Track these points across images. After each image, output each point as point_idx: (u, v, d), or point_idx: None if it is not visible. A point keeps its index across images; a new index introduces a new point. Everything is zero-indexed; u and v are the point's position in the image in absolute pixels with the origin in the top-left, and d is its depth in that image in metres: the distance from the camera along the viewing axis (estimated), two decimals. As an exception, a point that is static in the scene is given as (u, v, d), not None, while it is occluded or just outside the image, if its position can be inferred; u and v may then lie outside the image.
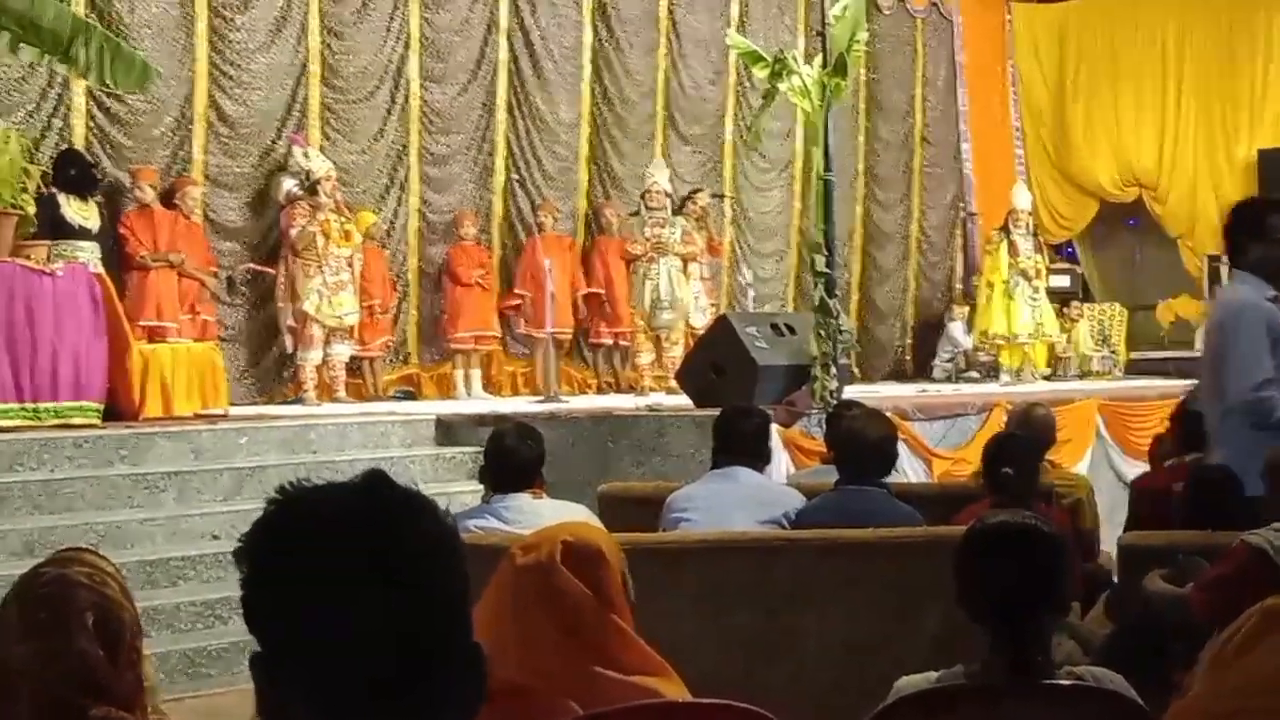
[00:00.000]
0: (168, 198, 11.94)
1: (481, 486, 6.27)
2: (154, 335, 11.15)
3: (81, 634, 2.72)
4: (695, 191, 15.52)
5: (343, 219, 12.61)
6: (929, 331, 19.23)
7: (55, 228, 10.08)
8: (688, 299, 14.89)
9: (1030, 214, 17.58)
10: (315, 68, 13.27)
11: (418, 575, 1.57)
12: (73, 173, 10.60)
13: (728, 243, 16.90)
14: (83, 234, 10.33)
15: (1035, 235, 17.39)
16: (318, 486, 1.62)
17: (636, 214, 15.00)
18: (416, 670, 1.56)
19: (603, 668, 3.22)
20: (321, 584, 1.55)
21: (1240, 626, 2.75)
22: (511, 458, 5.70)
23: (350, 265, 12.65)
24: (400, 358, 14.15)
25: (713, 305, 15.40)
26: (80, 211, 10.49)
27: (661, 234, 14.68)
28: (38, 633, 2.71)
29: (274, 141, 12.97)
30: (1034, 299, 16.95)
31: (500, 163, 14.82)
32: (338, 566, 1.55)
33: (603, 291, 15.01)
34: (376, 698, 1.55)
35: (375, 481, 1.62)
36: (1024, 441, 6.24)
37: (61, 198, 10.36)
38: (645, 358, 14.78)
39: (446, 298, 14.13)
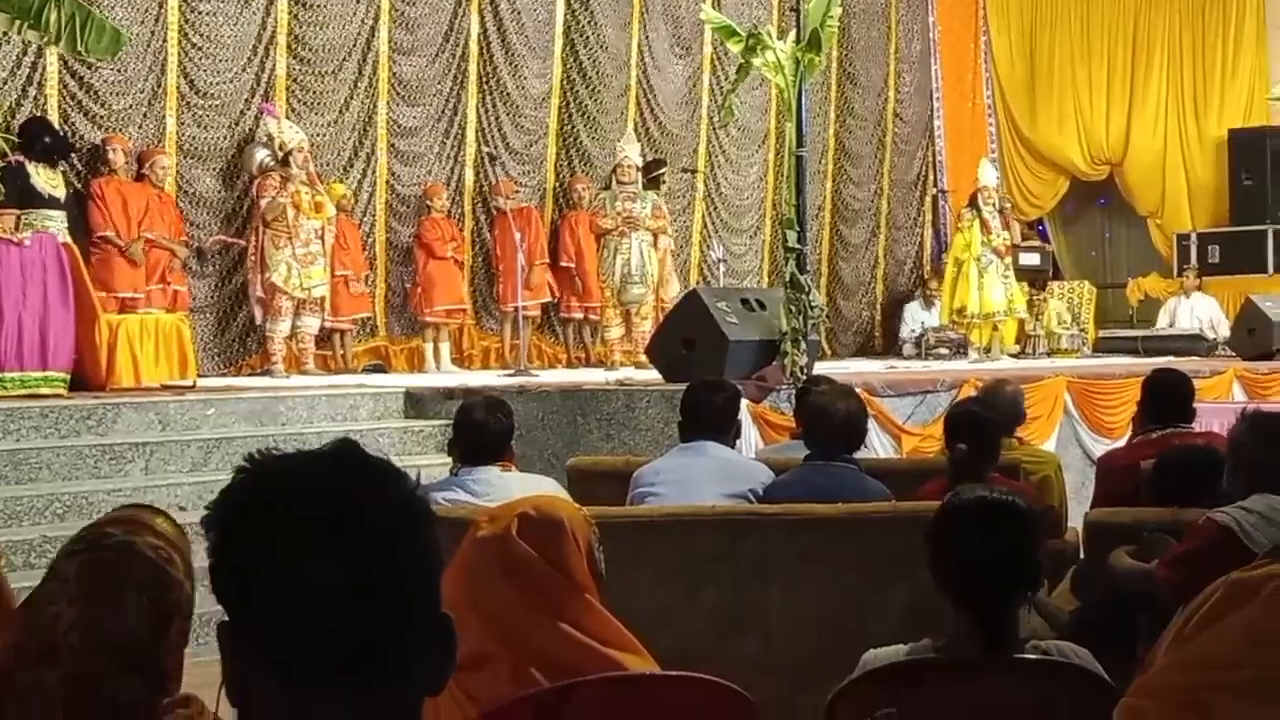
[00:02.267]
0: (139, 168, 11.91)
1: (450, 459, 6.25)
2: (124, 306, 11.12)
3: (133, 610, 2.64)
4: (655, 163, 15.54)
5: (314, 191, 12.56)
6: (898, 308, 19.27)
7: (24, 197, 10.01)
8: (658, 273, 14.91)
9: (997, 190, 17.60)
10: (282, 39, 13.20)
11: (384, 544, 1.56)
12: (47, 140, 10.52)
13: (699, 218, 16.93)
14: (51, 203, 10.27)
15: (1001, 212, 17.44)
16: (286, 454, 1.61)
17: (607, 188, 14.99)
18: (381, 640, 1.55)
19: (566, 625, 3.22)
20: (286, 550, 1.54)
21: (1204, 600, 2.76)
22: (480, 431, 5.67)
23: (321, 237, 12.61)
24: (367, 330, 14.11)
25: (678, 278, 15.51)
26: (49, 180, 10.41)
27: (633, 208, 14.67)
28: (91, 599, 2.64)
29: (243, 113, 12.91)
30: (1005, 276, 17.00)
31: (471, 135, 14.78)
32: (303, 533, 1.54)
33: (573, 266, 14.99)
34: (340, 667, 1.54)
35: (344, 450, 1.61)
36: (977, 415, 6.21)
37: (30, 166, 10.26)
38: (615, 332, 14.79)
39: (418, 270, 14.08)
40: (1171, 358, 15.31)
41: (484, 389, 10.01)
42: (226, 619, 1.58)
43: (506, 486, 5.24)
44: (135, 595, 2.66)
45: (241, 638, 1.57)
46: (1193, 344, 17.35)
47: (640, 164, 15.05)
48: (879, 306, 19.55)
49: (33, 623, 2.68)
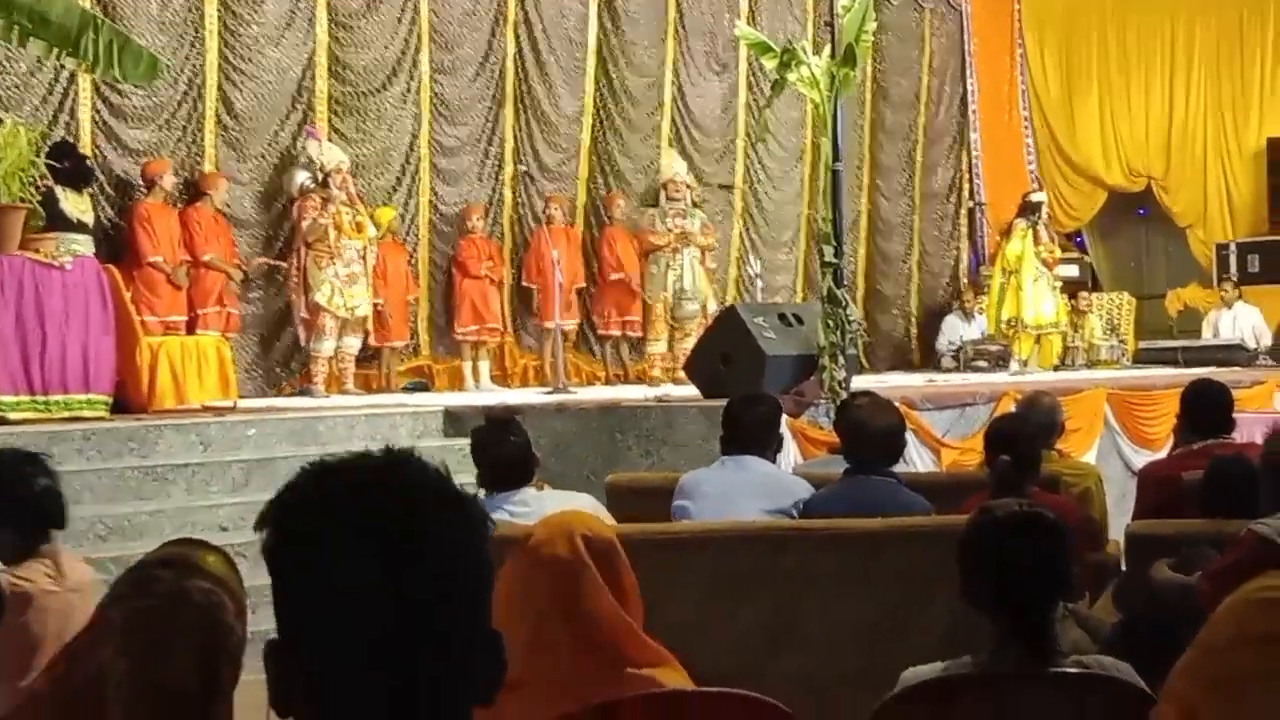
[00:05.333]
0: (194, 191, 12.02)
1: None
2: (168, 329, 11.18)
3: (183, 661, 2.58)
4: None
5: (355, 211, 12.63)
6: (935, 321, 19.22)
7: (54, 221, 10.02)
8: (707, 290, 14.96)
9: (1044, 204, 17.69)
10: (323, 60, 13.26)
11: (433, 554, 1.56)
12: (67, 164, 10.46)
13: (736, 233, 16.94)
14: (80, 228, 10.26)
15: (1046, 225, 17.42)
16: (345, 458, 1.63)
17: (656, 205, 15.03)
18: (425, 650, 1.56)
19: (605, 647, 3.23)
20: (330, 553, 1.55)
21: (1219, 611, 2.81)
22: (497, 460, 5.50)
23: (363, 257, 12.68)
24: (411, 349, 14.15)
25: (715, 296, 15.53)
26: (77, 205, 10.39)
27: (684, 225, 14.73)
28: (139, 651, 2.59)
29: (277, 133, 12.95)
30: (1053, 288, 17.03)
31: (509, 154, 14.82)
32: (349, 536, 1.55)
33: (624, 276, 14.91)
34: (386, 675, 1.55)
35: (401, 457, 1.63)
36: (1020, 428, 6.20)
37: (59, 191, 10.22)
38: (658, 347, 14.80)
39: (455, 290, 14.14)
40: (1213, 368, 15.22)
41: (524, 407, 10.04)
42: (273, 638, 1.60)
43: (543, 506, 5.21)
44: (185, 645, 2.60)
45: (287, 652, 1.58)
46: (1233, 354, 17.24)
47: (689, 180, 15.13)
48: (915, 320, 19.50)
49: (80, 675, 2.65)
